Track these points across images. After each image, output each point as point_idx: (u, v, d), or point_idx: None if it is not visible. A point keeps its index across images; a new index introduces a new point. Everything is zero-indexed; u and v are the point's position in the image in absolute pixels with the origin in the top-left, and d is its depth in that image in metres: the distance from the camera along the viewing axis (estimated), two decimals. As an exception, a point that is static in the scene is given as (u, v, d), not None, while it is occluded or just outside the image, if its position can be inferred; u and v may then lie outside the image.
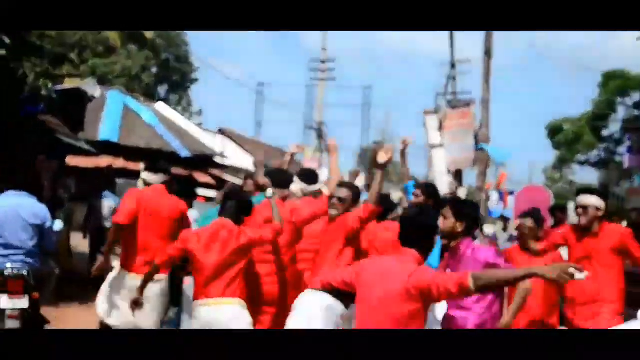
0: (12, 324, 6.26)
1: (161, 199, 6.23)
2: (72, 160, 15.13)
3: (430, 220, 4.22)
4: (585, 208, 6.11)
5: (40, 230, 6.73)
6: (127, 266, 6.14)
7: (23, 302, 6.34)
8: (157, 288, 6.03)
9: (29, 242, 6.62)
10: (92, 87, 13.75)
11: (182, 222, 6.23)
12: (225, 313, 5.22)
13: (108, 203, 11.99)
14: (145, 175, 6.41)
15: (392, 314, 3.87)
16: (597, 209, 6.07)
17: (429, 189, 6.63)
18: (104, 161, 16.52)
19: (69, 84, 13.24)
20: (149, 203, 6.13)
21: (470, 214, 5.00)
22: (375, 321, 3.92)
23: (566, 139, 43.38)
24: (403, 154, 6.87)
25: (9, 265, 6.47)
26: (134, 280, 5.97)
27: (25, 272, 6.45)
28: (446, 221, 4.91)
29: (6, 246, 6.53)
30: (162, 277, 6.08)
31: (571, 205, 30.83)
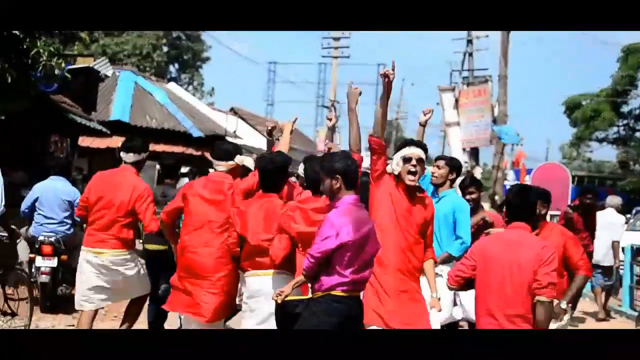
0: (44, 279, 8.10)
1: (114, 179, 6.35)
2: (84, 141, 15.28)
3: (534, 197, 4.78)
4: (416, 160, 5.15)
5: (71, 206, 8.26)
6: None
7: (53, 262, 8.11)
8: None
9: (62, 215, 8.32)
10: (104, 66, 13.82)
11: (136, 202, 6.16)
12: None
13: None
14: (121, 154, 6.51)
15: (527, 282, 4.32)
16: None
17: (452, 161, 6.66)
18: (115, 141, 16.63)
19: (81, 63, 13.30)
20: (98, 185, 6.39)
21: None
22: (510, 291, 4.35)
23: (584, 116, 43.00)
24: (424, 125, 6.26)
25: (43, 233, 8.13)
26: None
27: (54, 239, 8.14)
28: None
29: (45, 217, 8.24)
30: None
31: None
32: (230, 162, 5.79)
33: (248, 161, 6.04)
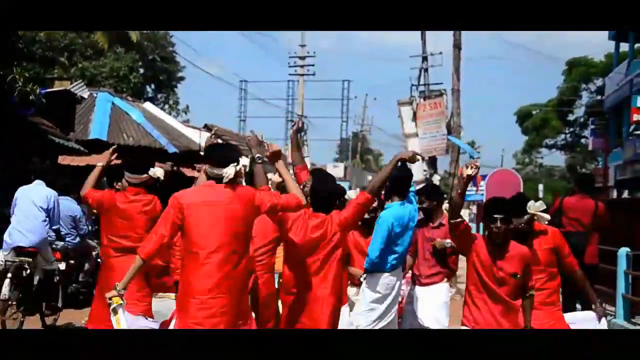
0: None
1: None
2: (64, 160, 15.09)
3: None
4: None
5: (74, 220, 9.45)
6: None
7: (62, 265, 8.94)
8: None
9: (68, 227, 9.42)
10: (80, 89, 13.71)
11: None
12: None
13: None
14: None
15: None
16: None
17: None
18: (94, 159, 16.46)
19: (59, 86, 13.19)
20: None
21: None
22: None
23: (534, 124, 43.81)
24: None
25: (55, 243, 8.91)
26: None
27: (63, 247, 9.23)
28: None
29: (54, 231, 8.76)
30: None
31: (540, 187, 30.56)
32: (144, 175, 5.80)
33: (159, 172, 5.92)
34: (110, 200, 5.77)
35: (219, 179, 4.44)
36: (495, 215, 5.00)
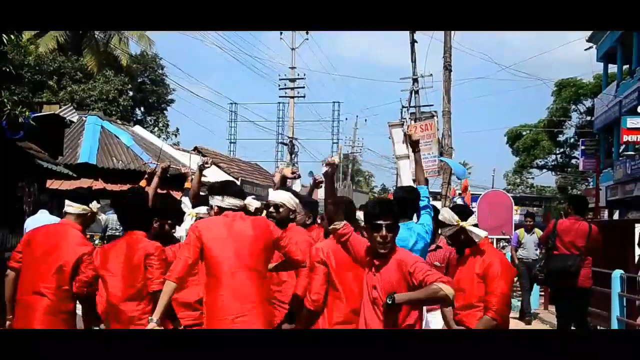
0: None
1: None
2: (53, 184, 15.02)
3: None
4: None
5: None
6: None
7: None
8: None
9: None
10: (69, 113, 13.63)
11: None
12: None
13: (112, 216, 14.49)
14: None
15: None
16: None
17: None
18: (83, 183, 16.43)
19: (47, 110, 13.13)
20: None
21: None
22: None
23: (525, 145, 44.12)
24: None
25: None
26: None
27: None
28: None
29: None
30: None
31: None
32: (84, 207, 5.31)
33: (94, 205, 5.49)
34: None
35: (237, 209, 4.75)
36: (380, 222, 4.03)
